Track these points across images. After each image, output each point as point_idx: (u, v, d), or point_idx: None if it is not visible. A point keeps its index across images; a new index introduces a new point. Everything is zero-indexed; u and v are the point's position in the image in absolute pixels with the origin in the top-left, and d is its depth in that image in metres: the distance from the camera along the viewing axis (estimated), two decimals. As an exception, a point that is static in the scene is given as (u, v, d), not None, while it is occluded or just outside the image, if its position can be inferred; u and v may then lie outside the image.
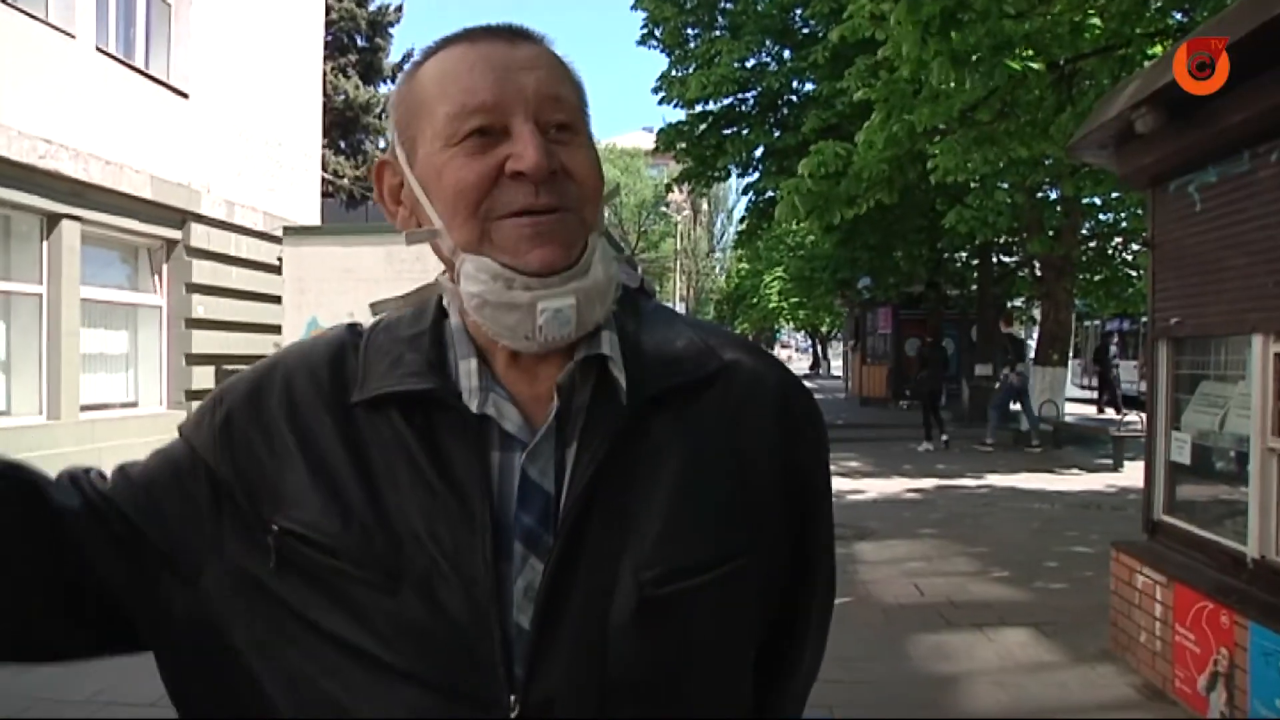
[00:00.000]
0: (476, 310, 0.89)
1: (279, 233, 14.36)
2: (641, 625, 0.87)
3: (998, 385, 16.21)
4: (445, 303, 0.97)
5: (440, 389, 0.90)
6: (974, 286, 21.60)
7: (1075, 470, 12.94)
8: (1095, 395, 25.02)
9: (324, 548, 0.86)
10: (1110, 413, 19.33)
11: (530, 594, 0.86)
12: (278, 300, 13.78)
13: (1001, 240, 19.08)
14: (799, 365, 60.68)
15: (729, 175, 20.14)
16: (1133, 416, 13.24)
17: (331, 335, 1.01)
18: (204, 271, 14.34)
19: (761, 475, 0.97)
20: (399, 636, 0.84)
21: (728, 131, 18.35)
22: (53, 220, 11.51)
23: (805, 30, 17.60)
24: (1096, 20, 7.73)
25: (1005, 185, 15.26)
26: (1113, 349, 23.50)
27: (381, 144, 28.57)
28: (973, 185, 14.64)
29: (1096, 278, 19.92)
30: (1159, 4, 7.95)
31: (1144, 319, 8.76)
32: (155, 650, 0.93)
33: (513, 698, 0.83)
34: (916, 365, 16.90)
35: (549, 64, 0.93)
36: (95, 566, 0.90)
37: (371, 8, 27.90)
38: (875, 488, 11.46)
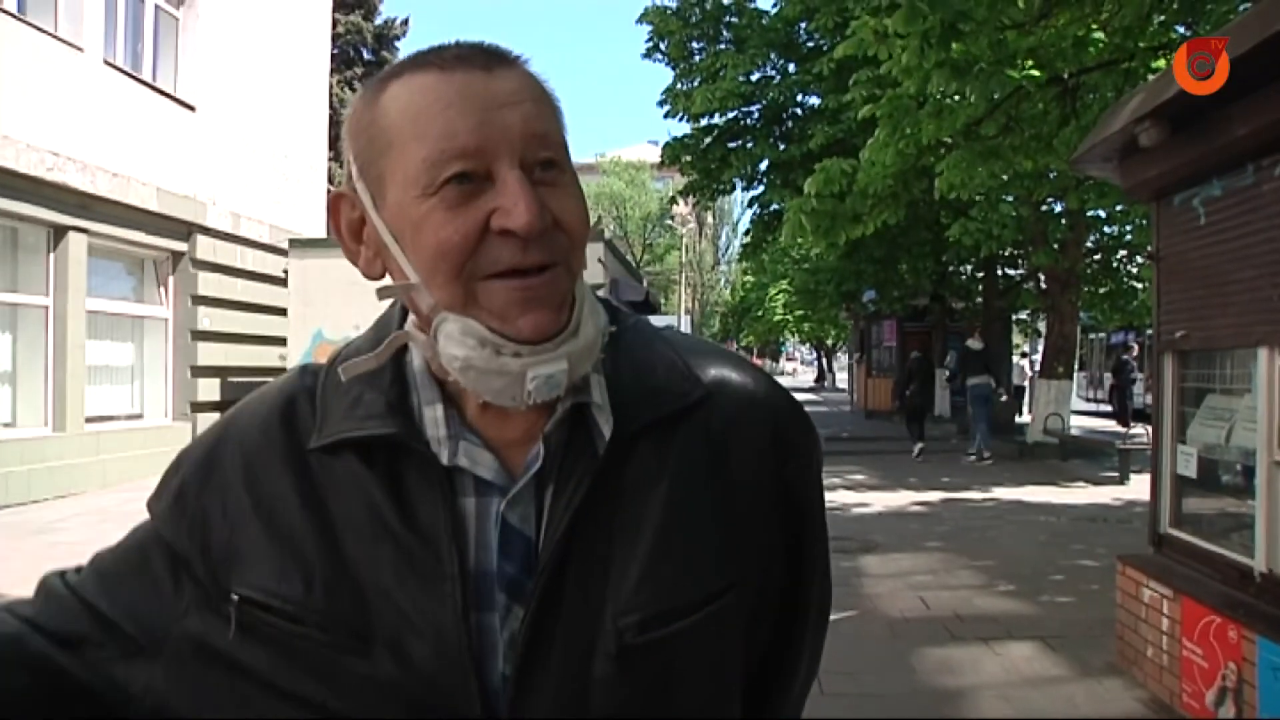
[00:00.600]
0: (460, 373, 0.83)
1: (284, 245, 14.45)
2: (622, 672, 0.84)
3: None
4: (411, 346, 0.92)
5: (403, 433, 0.86)
6: (979, 299, 21.60)
7: (1081, 483, 12.90)
8: (1113, 409, 24.93)
9: (286, 614, 0.84)
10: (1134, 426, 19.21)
11: (515, 644, 0.84)
12: (283, 312, 13.85)
13: (1006, 253, 19.08)
14: (804, 378, 60.70)
15: (734, 188, 20.17)
16: (1138, 429, 13.21)
17: (280, 384, 0.97)
18: (209, 284, 14.39)
19: (752, 498, 0.94)
20: (370, 696, 0.82)
21: (733, 145, 18.39)
22: (59, 232, 11.57)
23: (809, 44, 17.65)
24: (1100, 34, 7.74)
25: (1010, 198, 15.26)
26: (1128, 360, 23.30)
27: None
28: (977, 199, 14.63)
29: (1101, 290, 19.93)
30: (1162, 18, 7.95)
31: (1149, 331, 8.73)
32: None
33: None
34: (905, 379, 16.99)
35: (532, 95, 0.85)
36: (47, 674, 0.89)
37: (378, 21, 28.09)
38: (881, 500, 11.42)
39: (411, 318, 0.90)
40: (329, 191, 19.93)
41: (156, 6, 13.59)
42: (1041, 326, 21.25)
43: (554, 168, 0.84)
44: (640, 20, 18.39)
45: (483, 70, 0.83)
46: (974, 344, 16.27)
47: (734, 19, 18.10)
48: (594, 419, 0.88)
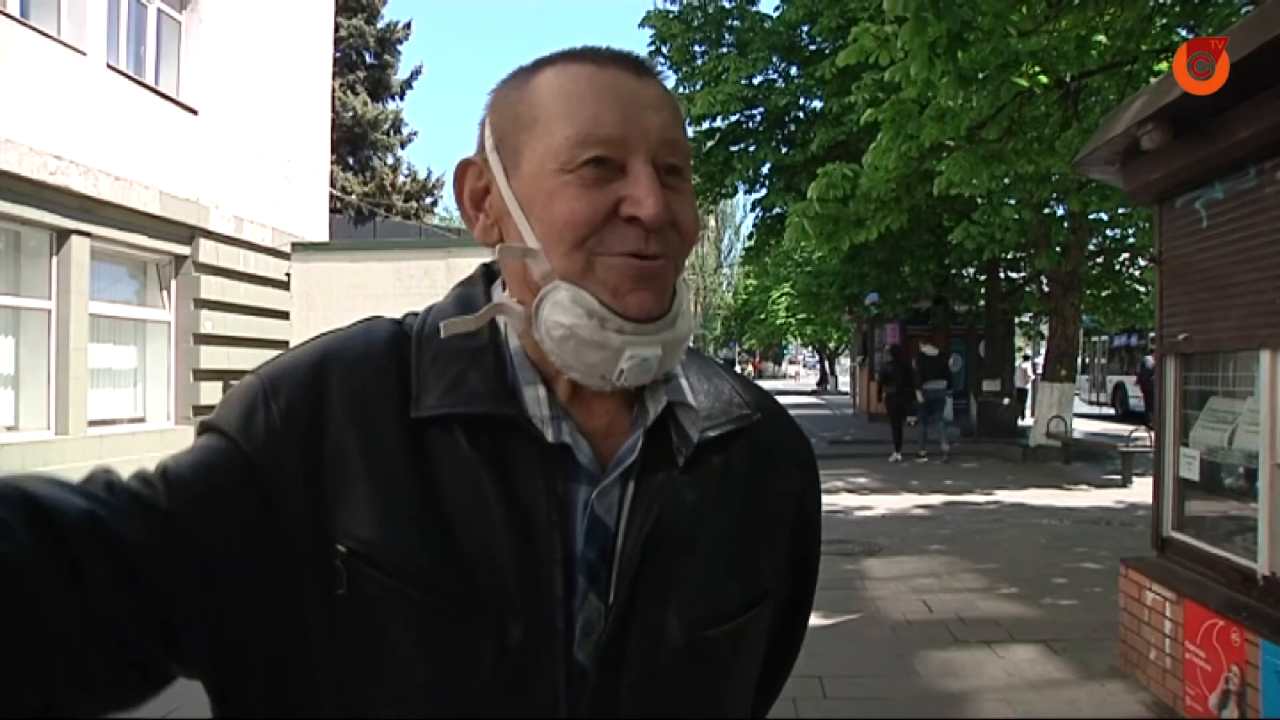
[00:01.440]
0: (558, 341, 0.86)
1: (287, 248, 14.44)
2: (688, 666, 0.89)
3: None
4: (503, 324, 0.94)
5: (517, 415, 0.88)
6: (981, 302, 21.60)
7: (1084, 486, 12.90)
8: (1115, 411, 24.79)
9: (396, 572, 0.82)
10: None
11: (588, 629, 0.86)
12: (286, 316, 13.85)
13: (1008, 256, 19.07)
14: (806, 381, 60.64)
15: (736, 192, 20.13)
16: (1140, 432, 13.21)
17: (384, 333, 0.94)
18: (212, 287, 14.40)
19: (782, 520, 1.03)
20: (461, 668, 0.83)
21: (735, 148, 18.36)
22: (62, 236, 11.57)
23: (812, 47, 17.63)
24: (1102, 37, 7.74)
25: (1012, 201, 15.26)
26: (1148, 361, 23.23)
27: (390, 160, 28.67)
28: (980, 201, 14.66)
29: (1104, 293, 19.91)
30: (1164, 20, 7.96)
31: (1152, 334, 8.72)
32: (197, 670, 0.84)
33: None
34: (882, 383, 17.74)
35: (670, 106, 0.92)
36: (148, 589, 0.76)
37: (380, 25, 28.10)
38: (884, 504, 11.42)
39: (504, 293, 0.95)
40: (331, 195, 19.86)
41: (159, 10, 13.60)
42: (1044, 329, 21.21)
43: (678, 175, 0.91)
44: (642, 24, 18.37)
45: (634, 74, 0.90)
46: (929, 350, 17.12)
47: (736, 22, 18.08)
48: (678, 419, 0.94)
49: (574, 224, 0.85)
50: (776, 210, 18.27)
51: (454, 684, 0.83)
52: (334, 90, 21.78)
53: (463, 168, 0.96)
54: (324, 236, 18.14)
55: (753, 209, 21.40)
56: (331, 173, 20.98)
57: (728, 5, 18.21)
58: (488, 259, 0.99)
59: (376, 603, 0.83)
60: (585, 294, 0.85)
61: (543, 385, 0.90)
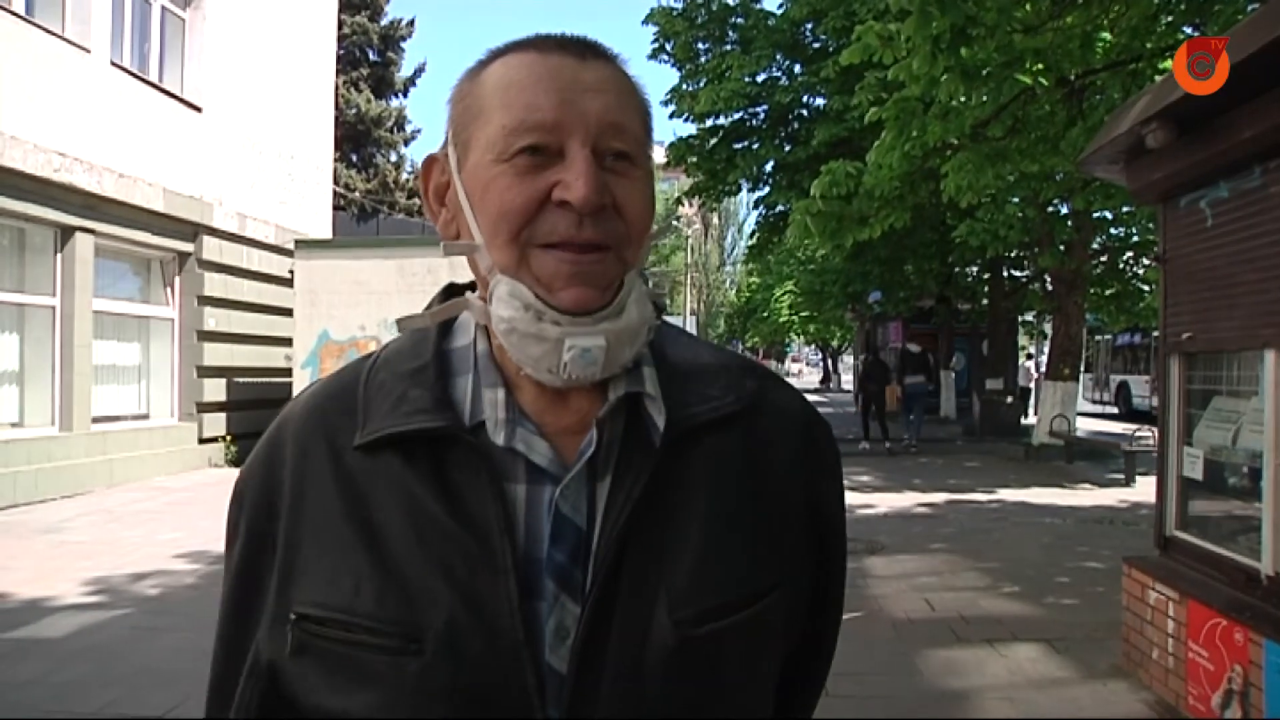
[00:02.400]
0: (504, 335, 0.85)
1: (290, 245, 14.46)
2: (678, 665, 0.85)
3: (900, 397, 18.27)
4: (464, 322, 0.95)
5: (451, 425, 0.87)
6: (985, 301, 21.57)
7: (1087, 485, 12.88)
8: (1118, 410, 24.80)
9: (338, 623, 0.84)
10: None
11: (562, 633, 0.84)
12: (289, 313, 13.87)
13: (1012, 254, 19.06)
14: (809, 379, 60.59)
15: (739, 189, 20.11)
16: (1144, 431, 13.19)
17: (325, 382, 0.97)
18: (215, 284, 14.42)
19: (788, 506, 0.96)
20: (425, 696, 0.82)
21: (738, 146, 18.34)
22: (66, 233, 11.59)
23: (816, 45, 17.62)
24: (1107, 34, 7.72)
25: (1016, 200, 15.22)
26: None
27: (393, 158, 28.71)
28: (983, 200, 14.63)
29: (1108, 292, 19.85)
30: (1170, 19, 7.93)
31: (1155, 333, 8.72)
32: None
33: None
34: (864, 379, 18.75)
35: (617, 88, 0.88)
36: None
37: (384, 22, 28.11)
38: (886, 502, 11.41)
39: (472, 285, 0.95)
40: (335, 192, 19.89)
41: (163, 8, 13.61)
42: (1047, 328, 21.19)
43: (626, 160, 0.87)
44: (646, 21, 18.37)
45: (576, 58, 0.87)
46: (912, 348, 18.33)
47: (740, 20, 18.07)
48: (648, 411, 0.90)
49: (507, 215, 0.84)
50: (779, 208, 18.29)
51: (416, 713, 0.82)
52: (337, 87, 21.78)
53: (428, 163, 0.95)
54: (327, 233, 18.15)
55: (755, 207, 21.39)
56: (335, 170, 20.99)
57: (731, 3, 18.21)
58: None
59: (326, 656, 0.84)
60: (521, 287, 0.84)
61: (503, 388, 0.89)
